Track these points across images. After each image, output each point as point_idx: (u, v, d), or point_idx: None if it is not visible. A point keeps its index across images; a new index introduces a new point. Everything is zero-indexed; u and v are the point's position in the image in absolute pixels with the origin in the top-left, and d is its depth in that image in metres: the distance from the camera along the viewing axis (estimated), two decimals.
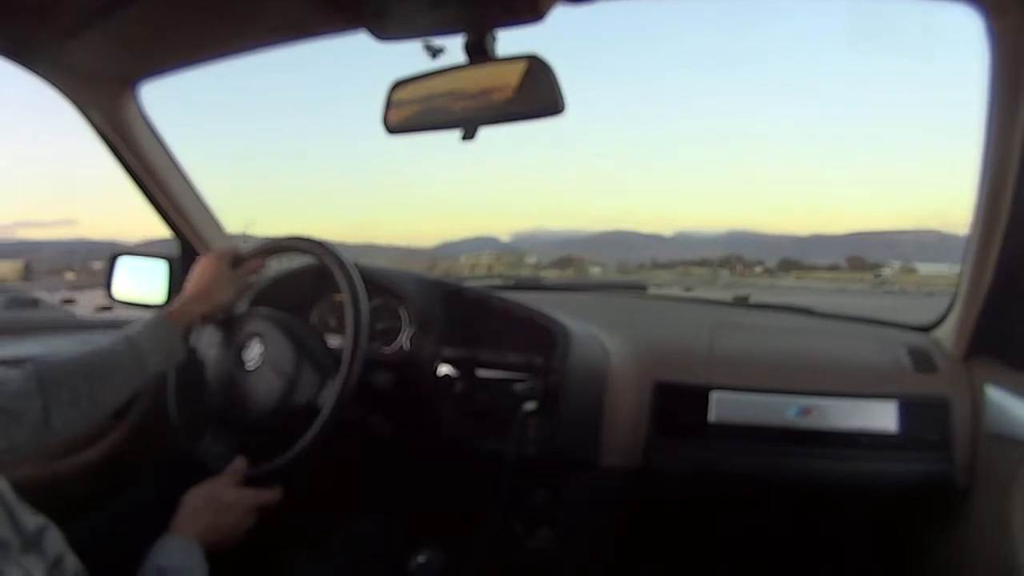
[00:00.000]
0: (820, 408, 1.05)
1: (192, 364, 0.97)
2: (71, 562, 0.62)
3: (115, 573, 0.65)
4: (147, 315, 0.89)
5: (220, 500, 0.81)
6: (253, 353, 0.94)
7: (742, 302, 1.52)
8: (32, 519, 0.59)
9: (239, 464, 0.87)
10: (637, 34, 40.77)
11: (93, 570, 0.65)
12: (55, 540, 0.61)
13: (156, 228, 1.37)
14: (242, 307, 1.09)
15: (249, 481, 0.86)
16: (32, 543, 0.58)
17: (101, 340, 0.83)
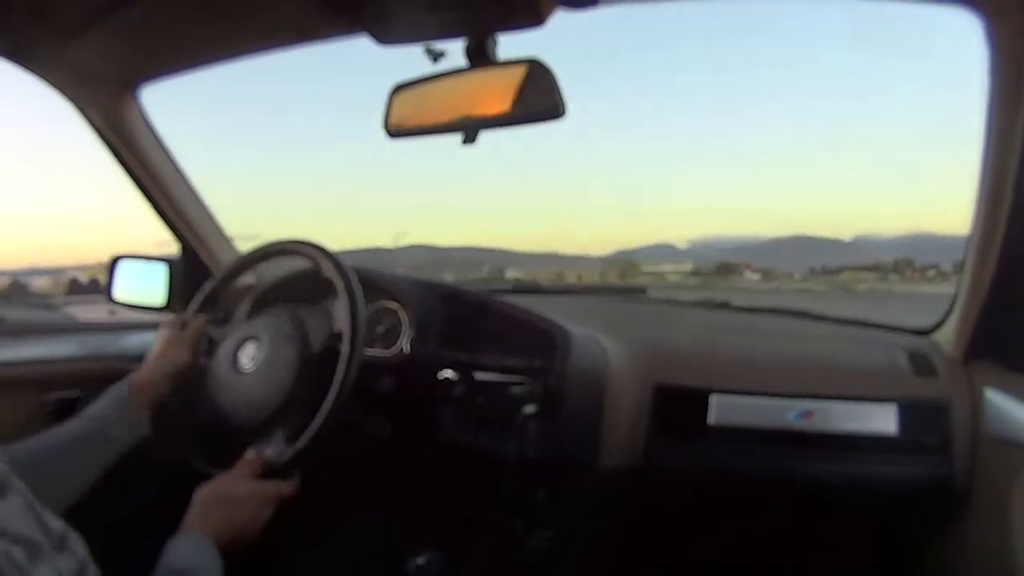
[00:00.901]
0: (820, 411, 1.05)
1: (190, 367, 0.97)
2: (92, 565, 0.61)
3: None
4: (110, 391, 0.89)
5: (232, 494, 0.79)
6: (249, 356, 0.94)
7: (735, 306, 1.52)
8: (55, 521, 0.59)
9: (251, 456, 0.85)
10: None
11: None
12: (78, 541, 0.61)
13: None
14: (240, 311, 1.09)
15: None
16: (61, 543, 0.58)
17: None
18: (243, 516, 0.78)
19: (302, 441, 0.87)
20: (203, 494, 0.78)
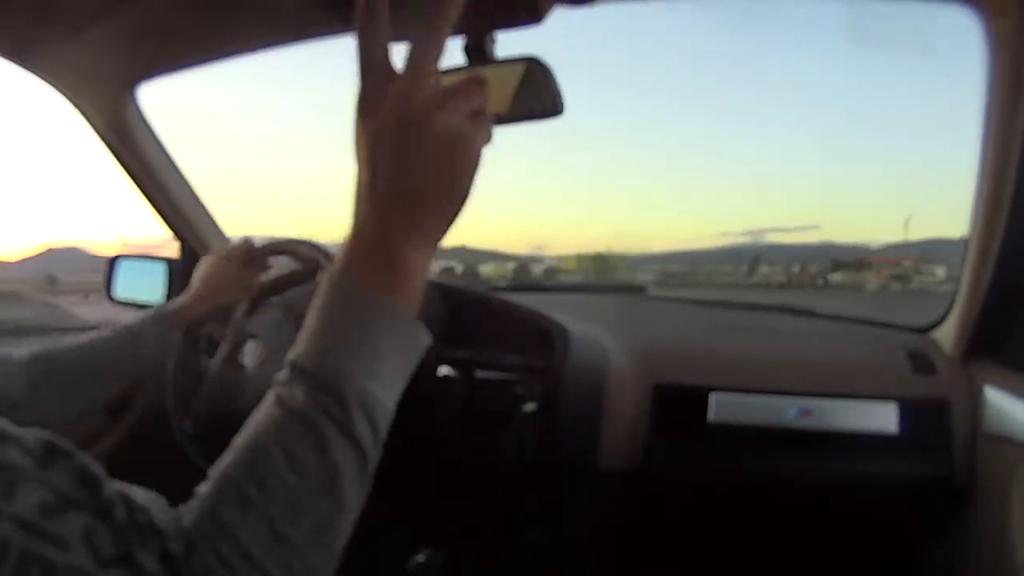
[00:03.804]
0: (820, 409, 1.05)
1: (191, 365, 0.97)
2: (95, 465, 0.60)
3: None
4: (149, 311, 0.89)
5: None
6: (249, 355, 0.95)
7: (734, 303, 1.52)
8: (33, 435, 0.58)
9: None
10: None
11: None
12: (71, 447, 0.60)
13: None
14: (240, 310, 1.09)
15: None
16: (46, 458, 0.56)
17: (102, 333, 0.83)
18: None
19: None
20: None
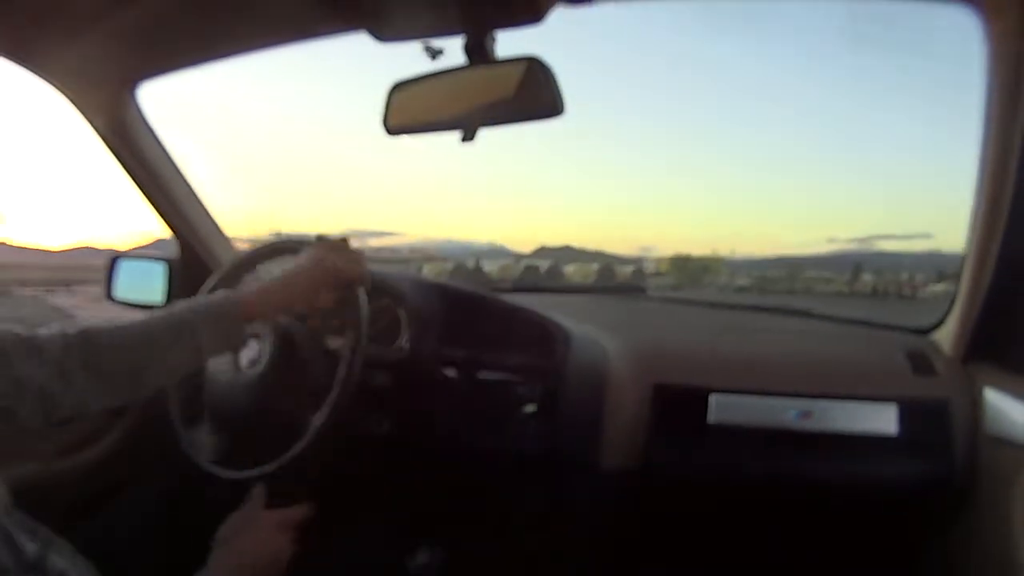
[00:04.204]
0: (820, 410, 1.04)
1: (193, 373, 0.97)
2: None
3: None
4: (216, 298, 0.79)
5: (254, 529, 0.77)
6: (251, 355, 0.94)
7: (734, 305, 1.52)
8: (31, 543, 0.56)
9: (259, 491, 0.83)
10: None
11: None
12: (63, 562, 0.59)
13: None
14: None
15: (250, 482, 0.85)
16: (34, 566, 0.55)
17: (152, 313, 0.75)
18: (270, 548, 0.77)
19: (298, 447, 0.87)
20: (225, 532, 0.76)
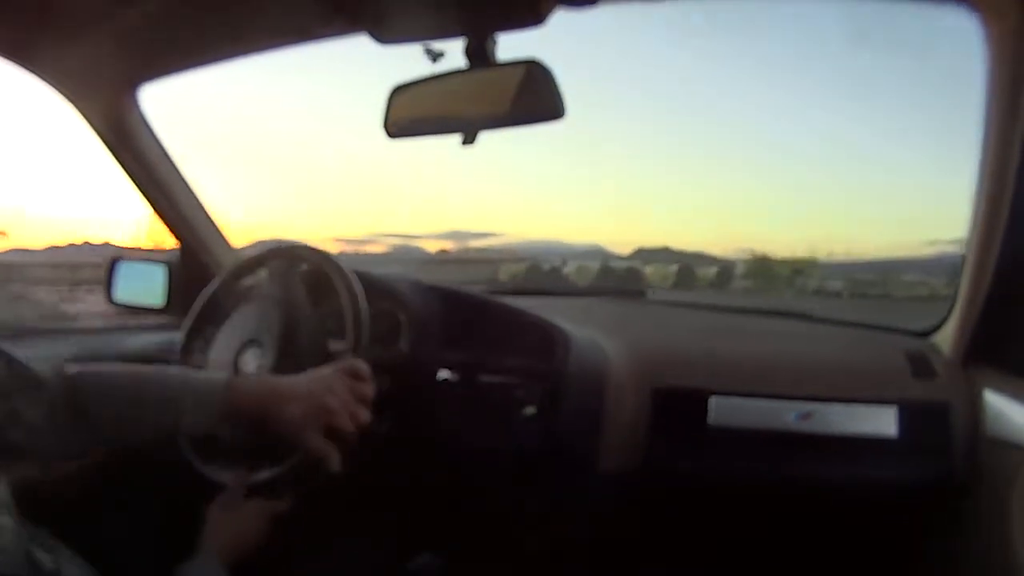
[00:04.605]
0: (819, 413, 1.04)
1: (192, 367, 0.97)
2: None
3: None
4: (212, 374, 0.80)
5: (240, 514, 0.81)
6: (250, 359, 0.94)
7: (734, 307, 1.52)
8: (47, 557, 0.58)
9: (240, 477, 0.86)
10: None
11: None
12: (73, 573, 0.59)
13: None
14: (242, 314, 1.09)
15: (254, 489, 0.86)
16: None
17: (145, 369, 0.76)
18: (252, 532, 0.81)
19: (299, 451, 0.87)
20: (213, 515, 0.80)
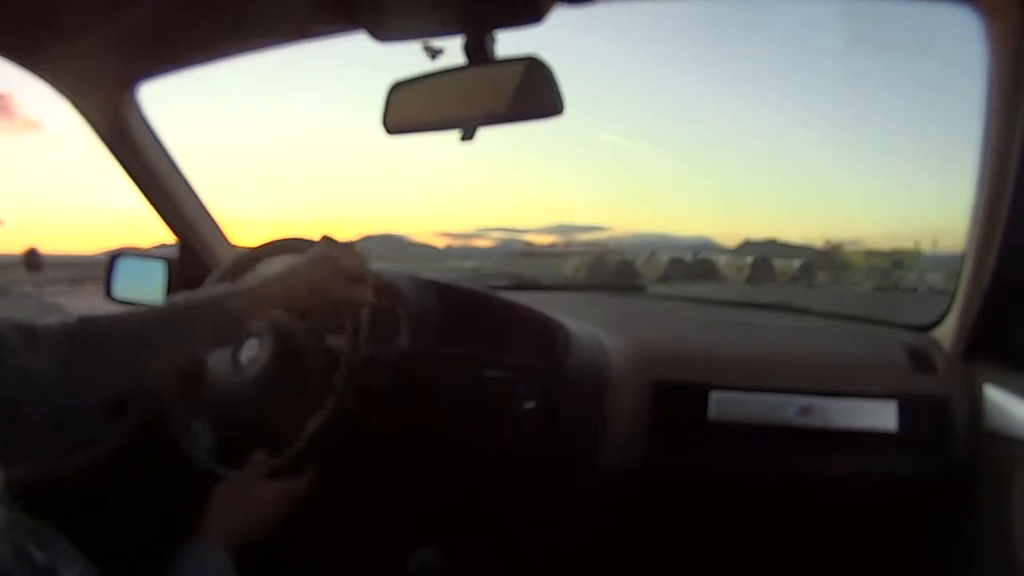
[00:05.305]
0: (819, 407, 1.05)
1: (191, 364, 0.97)
2: None
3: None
4: (216, 286, 0.79)
5: (247, 495, 0.80)
6: (250, 353, 0.95)
7: (734, 302, 1.52)
8: (40, 552, 0.56)
9: (260, 457, 0.86)
10: None
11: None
12: (67, 569, 0.59)
13: None
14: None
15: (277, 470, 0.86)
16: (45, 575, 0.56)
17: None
18: (257, 517, 0.79)
19: (304, 439, 0.87)
20: (219, 495, 0.79)
